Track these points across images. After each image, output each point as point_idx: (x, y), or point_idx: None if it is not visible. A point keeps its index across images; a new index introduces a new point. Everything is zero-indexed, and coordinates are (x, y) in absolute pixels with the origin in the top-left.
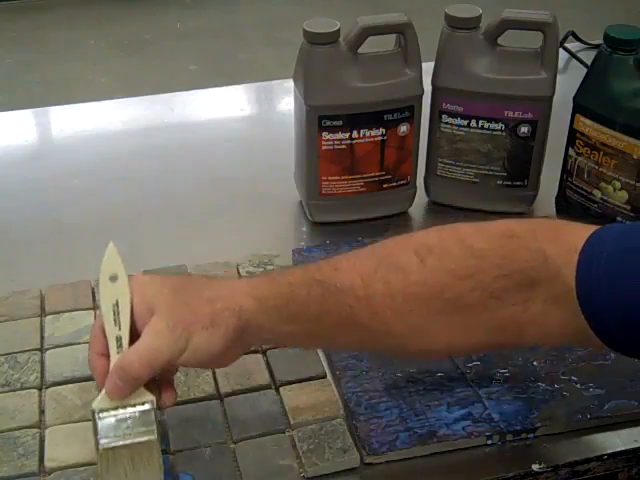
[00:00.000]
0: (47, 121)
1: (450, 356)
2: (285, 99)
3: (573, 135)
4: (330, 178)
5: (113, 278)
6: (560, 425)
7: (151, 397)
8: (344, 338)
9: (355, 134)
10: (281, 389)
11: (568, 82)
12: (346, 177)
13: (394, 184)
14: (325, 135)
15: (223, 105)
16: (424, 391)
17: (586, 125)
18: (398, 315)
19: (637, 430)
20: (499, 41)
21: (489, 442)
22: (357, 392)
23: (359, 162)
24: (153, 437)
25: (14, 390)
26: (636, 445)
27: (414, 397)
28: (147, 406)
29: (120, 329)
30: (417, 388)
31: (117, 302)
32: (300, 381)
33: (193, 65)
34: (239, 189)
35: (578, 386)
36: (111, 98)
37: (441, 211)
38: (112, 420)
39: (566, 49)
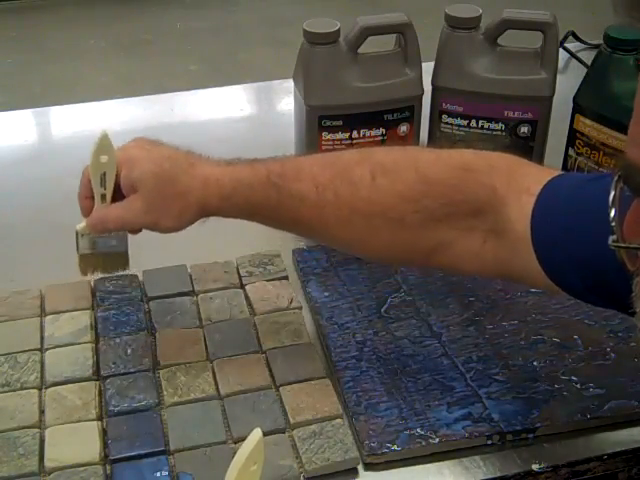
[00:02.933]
0: (47, 121)
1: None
2: (285, 99)
3: (573, 135)
4: None
5: (103, 158)
6: (560, 425)
7: None
8: (296, 232)
9: (355, 134)
10: (281, 389)
11: (568, 82)
12: None
13: None
14: (325, 135)
15: (223, 105)
16: (424, 391)
17: (586, 125)
18: (342, 225)
19: (637, 430)
20: (499, 41)
21: (489, 442)
22: (357, 392)
23: None
24: (123, 249)
25: (14, 390)
26: (636, 445)
27: (414, 397)
28: (120, 232)
29: (105, 189)
30: (417, 388)
31: (105, 173)
32: (300, 381)
33: (193, 65)
34: None
35: (578, 386)
36: (111, 98)
37: None
38: (91, 238)
39: (566, 49)
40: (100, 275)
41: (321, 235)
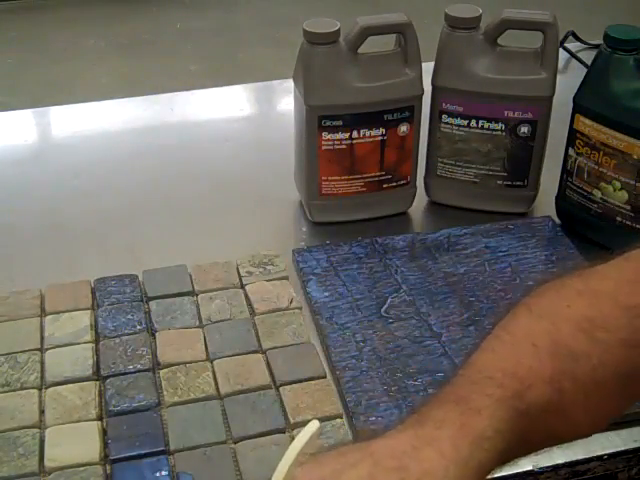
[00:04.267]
0: (47, 121)
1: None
2: (285, 99)
3: (573, 135)
4: (330, 178)
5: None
6: None
7: None
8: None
9: (355, 134)
10: (281, 389)
11: (568, 82)
12: (346, 177)
13: (394, 184)
14: (325, 135)
15: (223, 105)
16: (424, 391)
17: (586, 125)
18: (586, 409)
19: (637, 430)
20: (499, 41)
21: None
22: (357, 392)
23: (359, 162)
24: None
25: (14, 390)
26: (636, 445)
27: (414, 397)
28: None
29: None
30: (417, 388)
31: None
32: (300, 381)
33: (193, 65)
34: (239, 189)
35: None
36: (111, 98)
37: (441, 211)
38: None
39: (566, 49)
40: None
41: (560, 430)
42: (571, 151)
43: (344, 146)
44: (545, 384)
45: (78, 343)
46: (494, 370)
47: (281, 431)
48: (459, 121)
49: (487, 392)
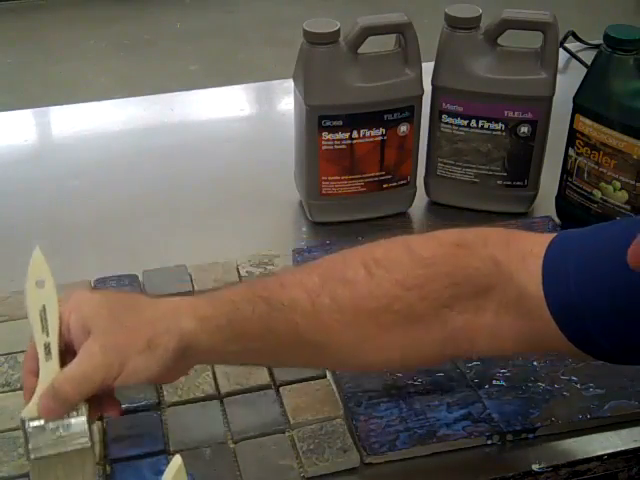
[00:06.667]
0: (47, 121)
1: (402, 369)
2: (285, 99)
3: (573, 135)
4: (330, 178)
5: (40, 283)
6: (560, 425)
7: (82, 404)
8: (291, 355)
9: (355, 134)
10: (281, 389)
11: (568, 82)
12: (346, 177)
13: (394, 184)
14: (325, 135)
15: (223, 105)
16: (424, 391)
17: (586, 125)
18: (348, 327)
19: (637, 430)
20: (499, 41)
21: (489, 442)
22: (357, 392)
23: (359, 162)
24: (87, 444)
25: (14, 390)
26: (636, 445)
27: (414, 397)
28: (79, 414)
29: (48, 335)
30: (417, 388)
31: (44, 307)
32: (300, 381)
33: (193, 65)
34: (239, 189)
35: (578, 386)
36: (111, 98)
37: (441, 211)
38: (43, 428)
39: (566, 49)
40: None
41: (325, 345)
42: (571, 151)
43: (344, 146)
44: (302, 290)
45: None
46: (257, 281)
47: (281, 431)
48: (459, 121)
49: (234, 286)
